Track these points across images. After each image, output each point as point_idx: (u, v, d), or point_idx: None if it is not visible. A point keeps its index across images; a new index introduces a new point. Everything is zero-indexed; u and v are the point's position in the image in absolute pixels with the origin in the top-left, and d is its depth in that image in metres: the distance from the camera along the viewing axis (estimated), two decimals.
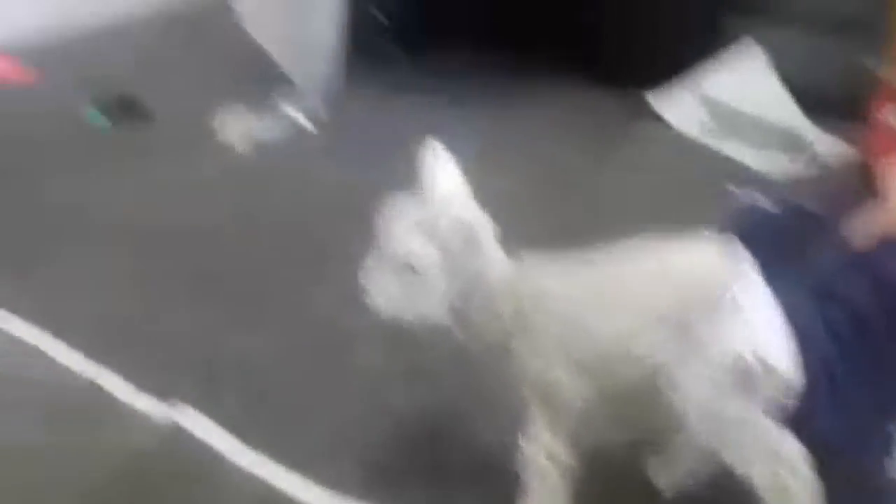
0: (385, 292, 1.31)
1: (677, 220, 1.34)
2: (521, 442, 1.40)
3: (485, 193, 1.36)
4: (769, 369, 1.24)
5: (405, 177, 1.35)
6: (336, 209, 2.35)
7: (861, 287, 1.52)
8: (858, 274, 1.54)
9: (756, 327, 1.24)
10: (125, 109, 2.85)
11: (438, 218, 1.29)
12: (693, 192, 2.35)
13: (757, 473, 1.28)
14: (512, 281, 1.35)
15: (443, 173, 1.35)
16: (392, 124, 2.64)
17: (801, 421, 1.30)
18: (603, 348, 1.31)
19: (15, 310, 1.98)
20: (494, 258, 1.35)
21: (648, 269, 1.31)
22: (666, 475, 1.51)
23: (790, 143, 2.65)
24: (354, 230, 1.35)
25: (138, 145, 2.72)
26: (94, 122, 2.82)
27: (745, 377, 1.24)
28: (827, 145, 2.60)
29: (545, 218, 2.19)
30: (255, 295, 2.08)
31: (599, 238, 1.37)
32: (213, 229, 2.32)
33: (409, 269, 1.29)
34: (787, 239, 1.62)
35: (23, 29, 3.19)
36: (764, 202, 2.13)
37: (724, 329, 1.23)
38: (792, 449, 1.28)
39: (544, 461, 1.38)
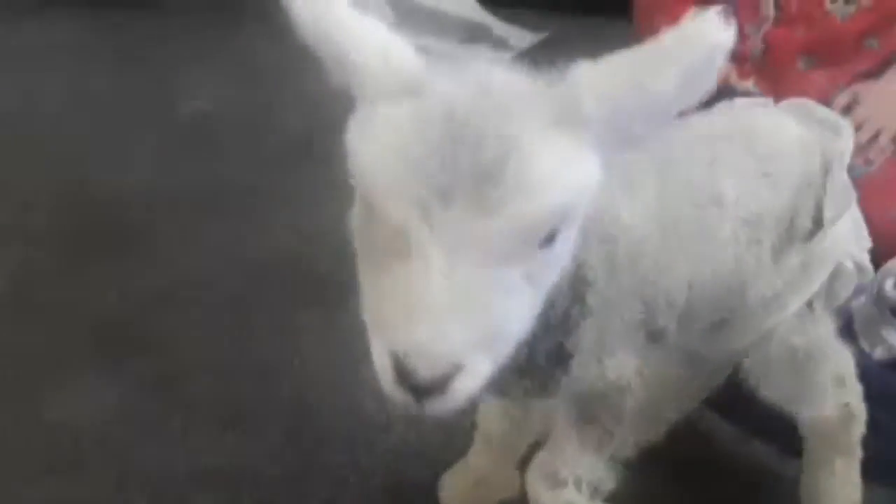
0: None
1: None
2: (529, 481, 0.99)
3: None
4: (863, 269, 1.00)
5: None
6: None
7: None
8: None
9: (847, 226, 0.98)
10: None
11: None
12: None
13: (828, 411, 1.05)
14: None
15: None
16: None
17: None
18: (683, 296, 0.88)
19: None
20: None
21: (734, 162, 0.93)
22: None
23: (471, 31, 2.50)
24: None
25: None
26: None
27: (835, 286, 0.98)
28: (506, 30, 2.52)
29: None
30: None
31: None
32: None
33: None
34: None
35: None
36: None
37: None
38: (852, 369, 1.06)
39: (575, 495, 0.97)
